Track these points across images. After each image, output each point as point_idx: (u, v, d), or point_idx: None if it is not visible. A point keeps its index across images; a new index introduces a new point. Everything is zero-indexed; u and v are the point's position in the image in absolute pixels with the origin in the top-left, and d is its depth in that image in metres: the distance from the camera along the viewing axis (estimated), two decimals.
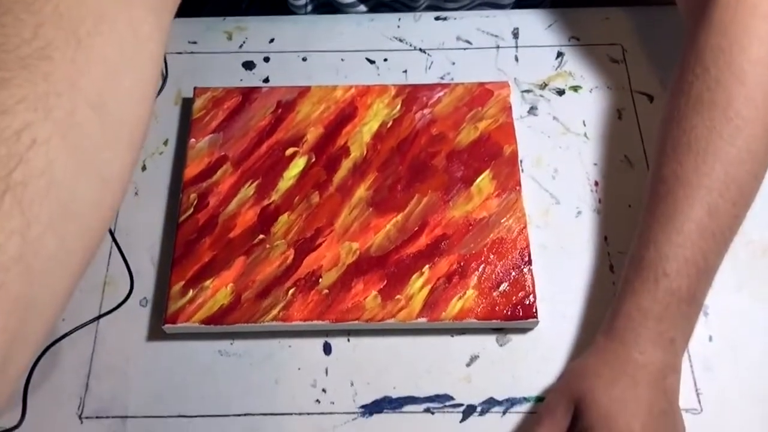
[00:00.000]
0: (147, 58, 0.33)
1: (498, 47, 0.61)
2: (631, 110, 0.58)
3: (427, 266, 0.49)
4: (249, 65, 0.60)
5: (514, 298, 0.48)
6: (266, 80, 0.59)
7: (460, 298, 0.48)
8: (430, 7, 0.64)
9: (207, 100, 0.56)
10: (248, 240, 0.51)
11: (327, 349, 0.49)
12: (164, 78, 0.59)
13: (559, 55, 0.60)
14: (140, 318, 0.50)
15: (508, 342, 0.49)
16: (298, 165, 0.54)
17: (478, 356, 0.49)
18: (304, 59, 0.60)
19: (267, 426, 0.47)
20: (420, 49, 0.61)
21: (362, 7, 0.64)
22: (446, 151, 0.54)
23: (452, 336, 0.49)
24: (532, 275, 0.49)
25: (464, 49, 0.61)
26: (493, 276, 0.49)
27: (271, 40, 0.61)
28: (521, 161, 0.55)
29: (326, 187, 0.53)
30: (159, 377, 0.48)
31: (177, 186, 0.54)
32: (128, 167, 0.32)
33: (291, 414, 0.47)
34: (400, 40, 0.61)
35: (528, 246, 0.50)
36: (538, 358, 0.49)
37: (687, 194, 0.45)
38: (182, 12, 0.62)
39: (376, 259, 0.50)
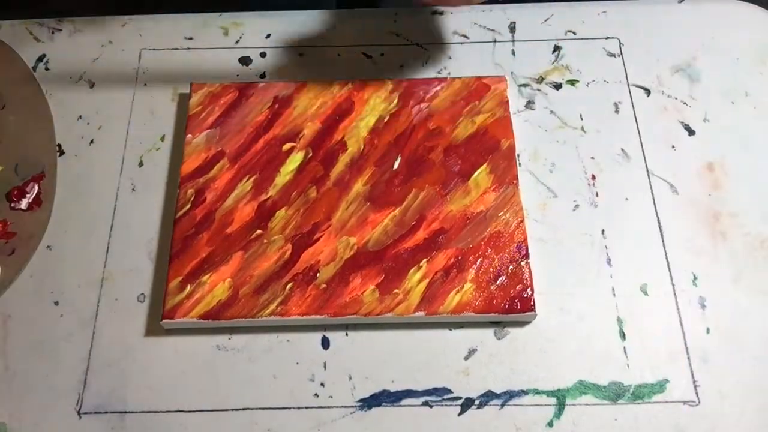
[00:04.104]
0: None
1: (495, 41, 0.61)
2: (628, 104, 0.58)
3: (424, 260, 0.49)
4: (245, 61, 0.60)
5: (511, 291, 0.48)
6: (263, 76, 0.59)
7: (457, 291, 0.48)
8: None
9: (203, 96, 0.56)
10: (246, 235, 0.51)
11: (325, 343, 0.49)
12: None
13: (556, 49, 0.60)
14: (138, 314, 0.50)
15: (506, 335, 0.49)
16: (295, 160, 0.54)
17: (476, 349, 0.49)
18: (301, 54, 0.60)
19: (265, 420, 0.47)
20: (417, 44, 0.61)
21: None
22: (443, 145, 0.54)
23: (450, 330, 0.49)
24: (529, 269, 0.49)
25: (461, 43, 0.61)
26: (491, 269, 0.49)
27: (268, 36, 0.61)
28: (518, 155, 0.55)
29: (323, 182, 0.53)
30: (157, 373, 0.48)
31: (174, 182, 0.54)
32: None
33: (289, 408, 0.47)
34: (397, 35, 0.61)
35: (525, 239, 0.50)
36: (536, 351, 0.49)
37: None
38: (179, 7, 0.62)
39: (374, 253, 0.50)
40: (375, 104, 0.56)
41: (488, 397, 0.47)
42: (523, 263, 0.49)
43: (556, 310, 0.50)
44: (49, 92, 0.59)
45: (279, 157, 0.54)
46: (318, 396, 0.47)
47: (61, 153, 0.56)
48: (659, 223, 0.53)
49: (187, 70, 0.59)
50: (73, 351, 0.49)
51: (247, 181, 0.53)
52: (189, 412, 0.47)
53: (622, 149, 0.56)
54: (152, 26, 0.62)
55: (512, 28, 0.61)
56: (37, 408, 0.47)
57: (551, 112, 0.57)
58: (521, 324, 0.49)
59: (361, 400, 0.47)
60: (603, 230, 0.53)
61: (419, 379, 0.48)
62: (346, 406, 0.47)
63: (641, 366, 0.48)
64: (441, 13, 0.62)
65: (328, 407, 0.47)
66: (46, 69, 0.60)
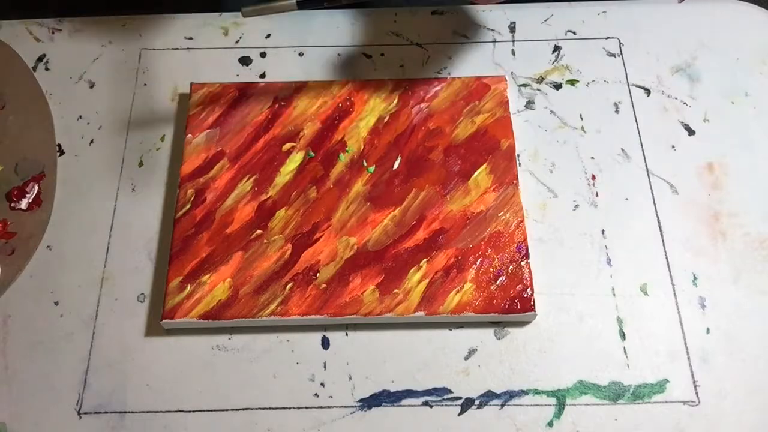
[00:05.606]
0: None
1: (495, 41, 0.61)
2: (628, 104, 0.58)
3: (424, 260, 0.49)
4: (245, 60, 0.60)
5: (511, 291, 0.48)
6: (263, 75, 0.59)
7: (457, 291, 0.48)
8: (427, 2, 0.64)
9: (203, 96, 0.56)
10: (246, 235, 0.51)
11: (325, 343, 0.49)
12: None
13: (556, 49, 0.60)
14: (138, 314, 0.50)
15: (506, 335, 0.49)
16: (295, 160, 0.54)
17: (476, 349, 0.49)
18: (301, 54, 0.60)
19: (265, 420, 0.47)
20: (417, 44, 0.61)
21: None
22: (443, 145, 0.54)
23: (450, 330, 0.49)
24: (529, 268, 0.49)
25: (461, 43, 0.61)
26: (491, 269, 0.49)
27: (268, 36, 0.61)
28: (518, 155, 0.55)
29: (323, 182, 0.53)
30: (157, 372, 0.48)
31: (174, 182, 0.54)
32: None
33: (289, 408, 0.47)
34: (397, 35, 0.61)
35: (525, 239, 0.50)
36: (536, 351, 0.49)
37: None
38: (178, 7, 0.62)
39: (374, 253, 0.50)
40: (375, 104, 0.56)
41: (488, 397, 0.47)
42: (523, 263, 0.49)
43: (556, 310, 0.50)
44: (49, 92, 0.59)
45: (279, 157, 0.54)
46: (318, 396, 0.47)
47: (61, 153, 0.56)
48: (659, 223, 0.53)
49: (187, 70, 0.59)
50: (73, 351, 0.49)
51: (247, 181, 0.53)
52: (189, 412, 0.47)
53: (622, 149, 0.56)
54: (152, 26, 0.62)
55: (512, 28, 0.61)
56: (37, 408, 0.47)
57: (551, 112, 0.57)
58: (521, 324, 0.49)
59: (361, 400, 0.47)
60: (603, 230, 0.53)
61: (419, 379, 0.48)
62: (346, 406, 0.47)
63: (641, 366, 0.48)
64: (441, 13, 0.62)
65: (328, 407, 0.47)
66: (46, 69, 0.60)
